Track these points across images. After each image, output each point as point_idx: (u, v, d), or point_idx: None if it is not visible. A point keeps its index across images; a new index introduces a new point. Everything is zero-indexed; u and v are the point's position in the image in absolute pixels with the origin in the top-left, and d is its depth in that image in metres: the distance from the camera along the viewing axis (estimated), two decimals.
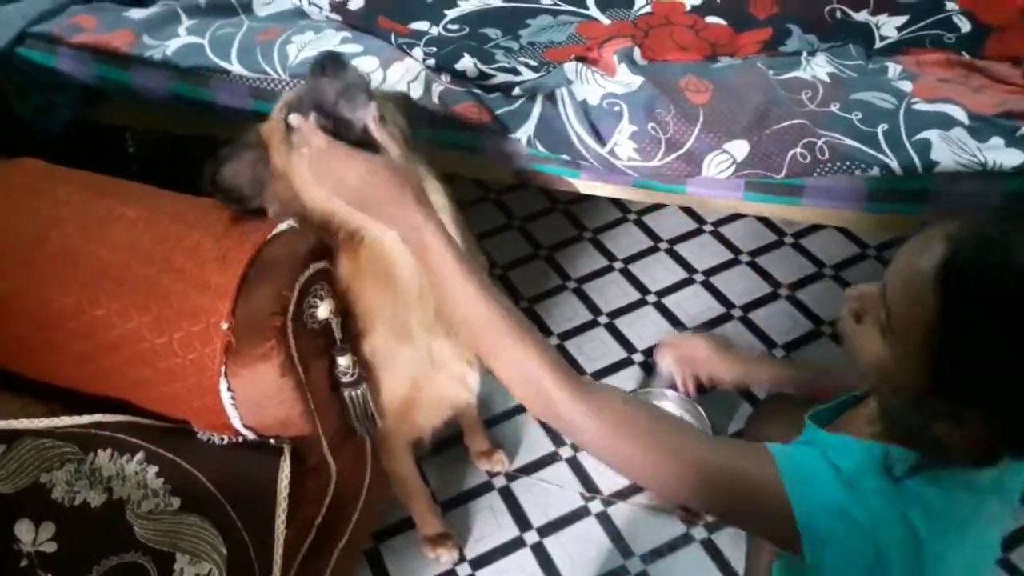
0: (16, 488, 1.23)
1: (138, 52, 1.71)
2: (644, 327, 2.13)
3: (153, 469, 1.23)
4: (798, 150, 1.42)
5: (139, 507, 1.20)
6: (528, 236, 2.38)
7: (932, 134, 1.38)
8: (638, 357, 2.06)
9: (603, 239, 2.37)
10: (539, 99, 1.52)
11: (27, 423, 1.28)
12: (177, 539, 1.18)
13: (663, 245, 2.35)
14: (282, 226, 1.25)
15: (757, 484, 0.85)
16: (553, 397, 0.87)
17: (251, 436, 1.27)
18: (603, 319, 2.16)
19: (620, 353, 2.07)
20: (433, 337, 1.31)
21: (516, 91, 1.55)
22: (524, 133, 1.52)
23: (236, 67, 1.66)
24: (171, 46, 1.71)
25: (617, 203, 2.44)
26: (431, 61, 1.61)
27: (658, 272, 2.27)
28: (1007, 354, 0.72)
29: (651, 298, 2.21)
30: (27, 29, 1.78)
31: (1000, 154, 1.34)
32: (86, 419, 1.28)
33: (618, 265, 2.30)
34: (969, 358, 0.74)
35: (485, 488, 1.82)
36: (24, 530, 1.18)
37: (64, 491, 1.22)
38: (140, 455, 1.24)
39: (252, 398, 1.22)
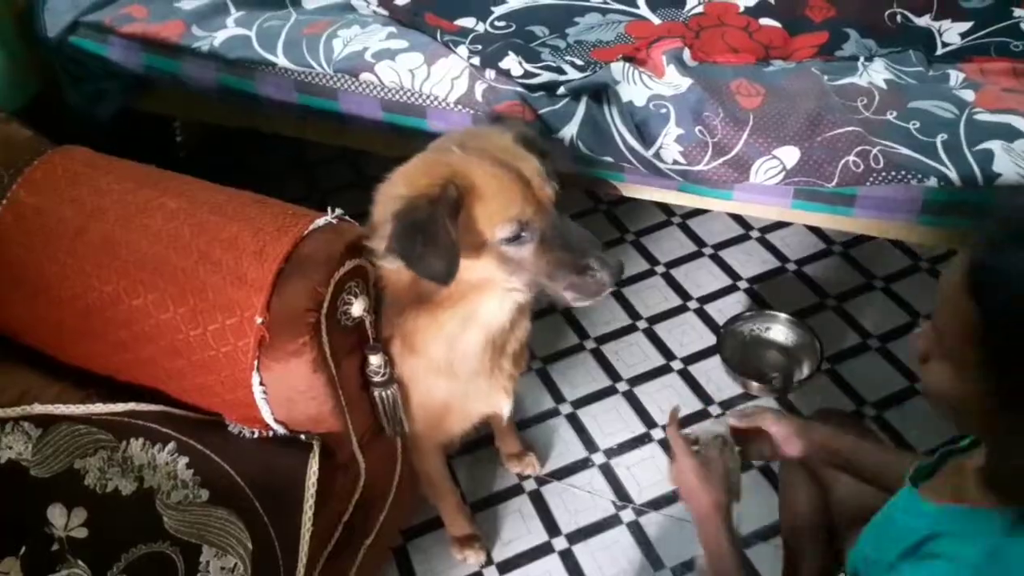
0: (51, 472, 1.24)
1: (187, 43, 1.73)
2: (684, 334, 2.09)
3: (184, 460, 1.23)
4: (851, 158, 1.37)
5: (169, 497, 1.21)
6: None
7: (994, 145, 1.33)
8: (676, 364, 2.02)
9: (645, 242, 2.33)
10: (584, 99, 1.49)
11: (64, 409, 1.29)
12: (205, 531, 1.18)
13: (707, 250, 2.30)
14: (319, 222, 1.24)
15: None
16: None
17: (281, 431, 1.27)
18: (642, 324, 2.12)
19: (658, 359, 2.04)
20: (476, 377, 1.32)
21: (561, 90, 1.53)
22: (568, 133, 1.50)
23: (282, 60, 1.67)
24: (219, 37, 1.72)
25: (662, 206, 2.40)
26: (476, 59, 1.59)
27: (701, 277, 2.23)
28: None
29: (692, 304, 2.16)
30: (80, 18, 1.80)
31: None
32: (120, 407, 1.29)
33: (660, 269, 2.26)
34: (1015, 361, 0.72)
35: (515, 491, 1.80)
36: (57, 514, 1.19)
37: (97, 478, 1.23)
38: (172, 445, 1.24)
39: (283, 393, 1.22)
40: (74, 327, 1.31)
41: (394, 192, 1.15)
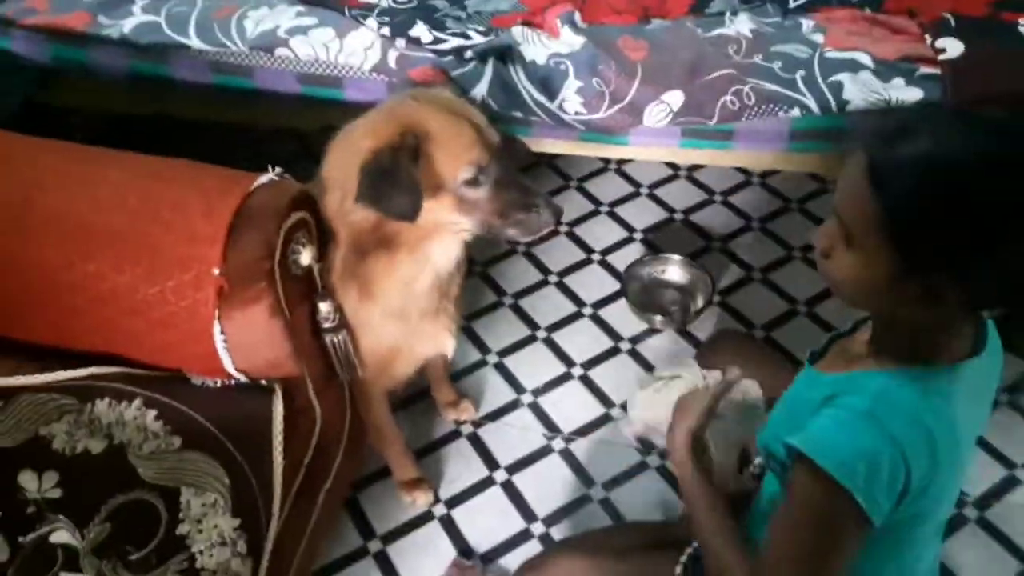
0: (16, 442, 1.27)
1: (94, 31, 1.76)
2: (591, 283, 2.26)
3: (152, 413, 1.29)
4: (728, 97, 1.57)
5: (141, 449, 1.26)
6: None
7: (843, 77, 1.55)
8: (587, 310, 2.19)
9: None
10: (491, 61, 1.63)
11: (23, 379, 1.32)
12: (181, 474, 1.24)
13: (604, 208, 2.48)
14: (263, 179, 1.33)
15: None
16: None
17: (242, 379, 1.34)
18: (553, 278, 2.28)
19: (571, 307, 2.20)
20: (424, 317, 1.43)
21: (468, 54, 1.66)
22: (479, 92, 1.64)
23: (195, 42, 1.73)
24: (127, 24, 1.76)
25: (558, 171, 2.57)
26: (385, 29, 1.70)
27: (601, 232, 2.40)
28: (946, 212, 0.82)
29: (596, 256, 2.34)
30: None
31: (902, 92, 1.52)
32: (82, 372, 1.33)
33: (563, 228, 2.42)
34: (917, 228, 0.84)
35: (454, 436, 1.92)
36: (27, 479, 1.23)
37: (64, 441, 1.27)
38: (138, 401, 1.30)
39: (243, 340, 1.30)
40: (25, 299, 1.34)
41: (356, 145, 1.26)
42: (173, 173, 1.37)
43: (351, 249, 1.32)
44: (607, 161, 2.60)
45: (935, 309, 0.89)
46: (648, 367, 2.04)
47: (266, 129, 2.07)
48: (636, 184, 2.56)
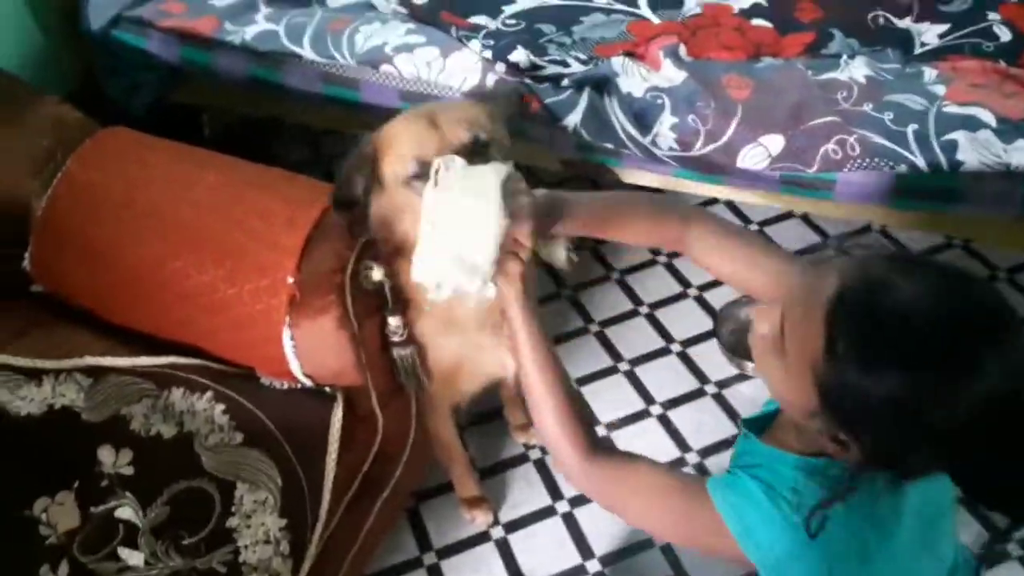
0: (101, 418, 1.37)
1: (220, 36, 1.87)
2: (684, 318, 2.19)
3: (220, 407, 1.36)
4: (830, 146, 1.50)
5: (206, 440, 1.33)
6: None
7: (959, 135, 1.45)
8: (675, 347, 2.14)
9: None
10: (586, 90, 1.62)
11: (112, 361, 1.43)
12: (239, 469, 1.30)
13: None
14: None
15: (717, 541, 0.93)
16: (569, 470, 1.04)
17: (308, 383, 1.39)
18: (644, 309, 2.24)
19: (659, 342, 2.15)
20: (481, 330, 1.43)
21: (565, 82, 1.66)
22: (571, 121, 1.63)
23: (308, 52, 1.80)
24: (249, 32, 1.86)
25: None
26: (487, 53, 1.72)
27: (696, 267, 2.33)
28: (874, 390, 0.77)
29: (692, 291, 2.28)
30: (121, 12, 1.95)
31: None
32: (163, 360, 1.42)
33: (662, 259, 2.38)
34: (845, 389, 0.79)
35: (521, 459, 1.92)
36: (106, 454, 1.32)
37: (141, 423, 1.36)
38: (209, 394, 1.37)
39: (311, 347, 1.35)
40: (122, 288, 1.44)
41: None
42: (265, 181, 1.44)
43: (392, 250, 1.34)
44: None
45: (835, 448, 0.86)
46: (732, 415, 1.97)
47: None
48: (746, 219, 2.47)
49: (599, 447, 1.02)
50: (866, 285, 0.78)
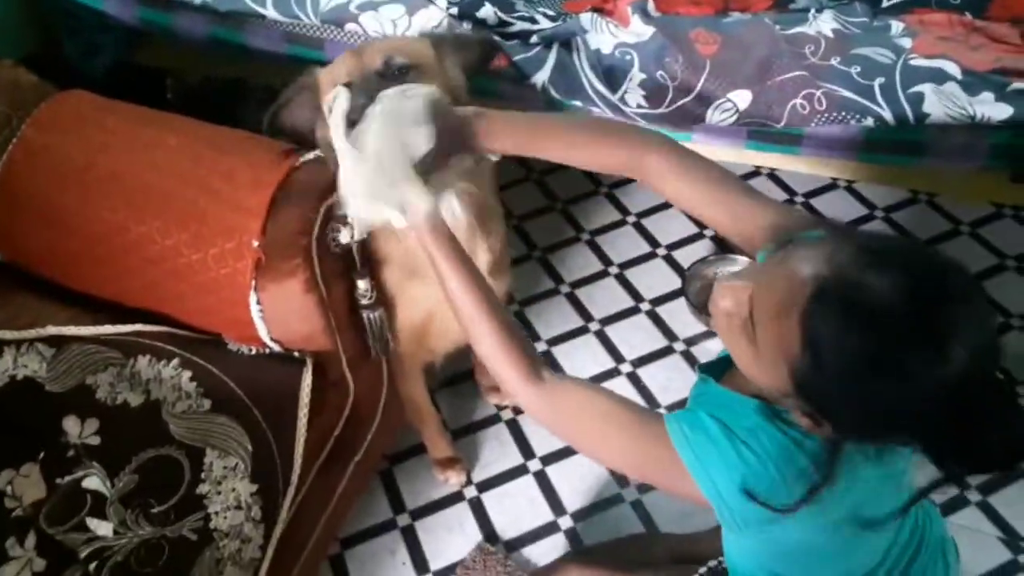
0: (64, 388, 1.35)
1: None
2: (652, 278, 2.21)
3: (187, 374, 1.35)
4: (798, 100, 1.50)
5: (174, 407, 1.32)
6: (546, 190, 2.47)
7: (926, 88, 1.45)
8: (645, 306, 2.15)
9: (618, 193, 2.45)
10: (555, 47, 1.60)
11: (75, 330, 1.40)
12: (208, 436, 1.29)
13: None
14: (309, 155, 1.36)
15: (670, 474, 0.93)
16: (516, 394, 1.01)
17: (277, 348, 1.38)
18: (614, 269, 2.24)
19: (628, 301, 2.16)
20: None
21: (533, 39, 1.64)
22: (540, 79, 1.61)
23: (271, 12, 1.76)
24: None
25: None
26: (454, 9, 1.69)
27: (671, 227, 2.34)
28: (852, 386, 0.78)
29: (661, 251, 2.28)
30: None
31: (989, 108, 1.41)
32: (128, 328, 1.40)
33: (631, 219, 2.37)
34: (822, 385, 0.80)
35: (493, 420, 1.93)
36: (71, 424, 1.31)
37: (107, 392, 1.34)
38: (176, 361, 1.36)
39: (278, 312, 1.33)
40: (84, 255, 1.42)
41: None
42: (228, 142, 1.41)
43: None
44: None
45: (809, 425, 0.86)
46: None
47: None
48: None
49: (547, 370, 0.99)
50: (842, 287, 0.78)
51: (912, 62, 1.51)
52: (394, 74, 1.22)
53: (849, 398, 0.80)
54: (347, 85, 1.16)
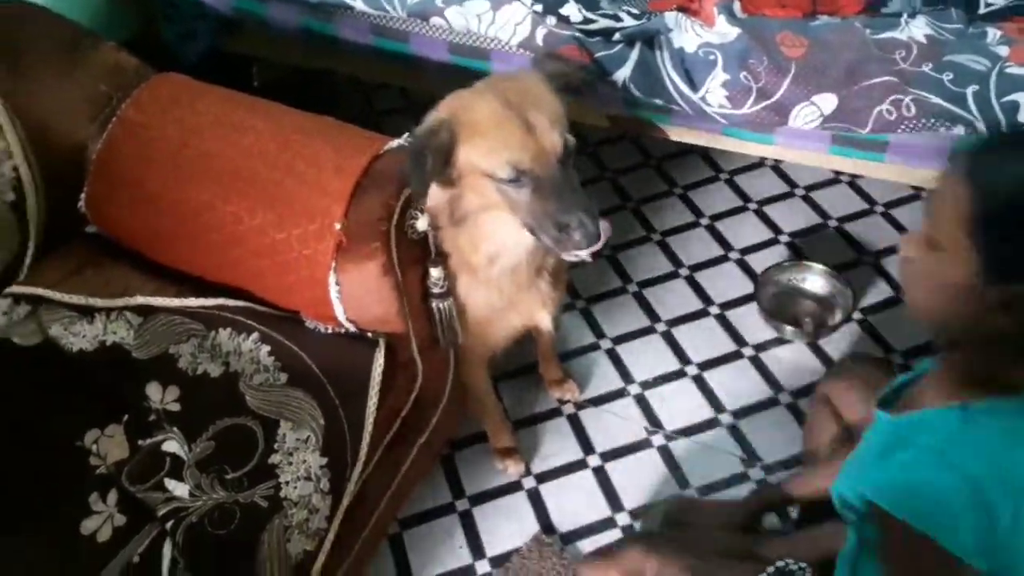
0: (149, 355, 1.41)
1: None
2: (724, 281, 2.19)
3: (266, 348, 1.39)
4: (885, 106, 1.47)
5: (251, 379, 1.37)
6: (619, 188, 2.47)
7: (1022, 97, 1.40)
8: (714, 309, 2.13)
9: (692, 195, 2.43)
10: (638, 45, 1.60)
11: (161, 301, 1.47)
12: (282, 408, 1.34)
13: (752, 205, 2.39)
14: (393, 143, 1.39)
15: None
16: None
17: (352, 328, 1.42)
18: (684, 271, 2.23)
19: (697, 304, 2.15)
20: (520, 290, 1.46)
21: (616, 36, 1.64)
22: (621, 76, 1.62)
23: (359, 3, 1.80)
24: None
25: (709, 161, 2.50)
26: (538, 6, 1.71)
27: (744, 230, 2.32)
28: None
29: (734, 255, 2.26)
30: None
31: None
32: (211, 302, 1.45)
33: (704, 221, 2.36)
34: (1005, 231, 0.84)
35: (555, 413, 1.94)
36: (154, 390, 1.36)
37: (189, 362, 1.40)
38: (255, 335, 1.40)
39: (356, 293, 1.37)
40: (173, 231, 1.48)
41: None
42: (314, 128, 1.46)
43: (449, 220, 1.35)
44: (718, 171, 2.49)
45: (1012, 319, 0.85)
46: (768, 378, 1.96)
47: (425, 93, 2.14)
48: (792, 184, 2.44)
49: None
50: (993, 143, 0.93)
51: (1008, 70, 1.46)
52: (568, 157, 1.25)
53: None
54: (525, 173, 1.22)
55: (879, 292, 2.12)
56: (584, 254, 1.26)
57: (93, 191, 1.56)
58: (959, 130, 1.44)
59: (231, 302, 1.45)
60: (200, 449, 1.30)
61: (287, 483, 1.27)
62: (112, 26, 2.06)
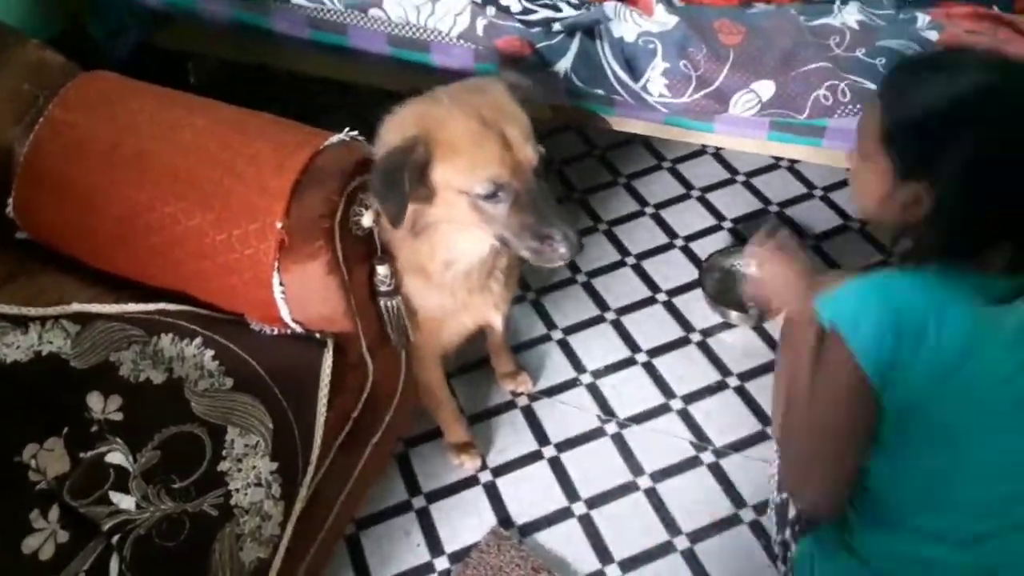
0: (88, 364, 1.37)
1: None
2: (670, 268, 2.21)
3: (210, 352, 1.36)
4: (821, 92, 1.49)
5: (196, 385, 1.33)
6: (565, 179, 2.47)
7: None
8: (661, 296, 2.15)
9: (637, 184, 2.45)
10: (578, 35, 1.60)
11: (99, 307, 1.42)
12: (229, 414, 1.31)
13: (695, 192, 2.42)
14: (333, 139, 1.37)
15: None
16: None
17: (298, 329, 1.39)
18: (631, 260, 2.25)
19: (644, 292, 2.16)
20: (472, 293, 1.46)
21: (556, 27, 1.64)
22: (562, 67, 1.62)
23: None
24: None
25: (652, 150, 2.52)
26: None
27: (688, 217, 2.34)
28: (932, 125, 1.00)
29: (679, 242, 2.29)
30: None
31: None
32: (152, 307, 1.42)
33: (649, 210, 2.38)
34: (904, 143, 1.03)
35: (509, 406, 1.94)
36: (95, 400, 1.32)
37: (130, 369, 1.36)
38: (199, 340, 1.37)
39: (300, 293, 1.34)
40: (109, 234, 1.43)
41: (385, 137, 1.28)
42: (253, 125, 1.42)
43: (409, 231, 1.33)
44: (661, 159, 2.52)
45: (921, 212, 1.03)
46: (716, 363, 1.99)
47: (363, 88, 2.11)
48: (733, 171, 2.47)
49: None
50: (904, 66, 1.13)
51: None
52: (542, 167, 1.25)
53: (926, 136, 0.99)
54: (503, 187, 1.22)
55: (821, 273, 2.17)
56: (558, 263, 1.28)
57: (21, 196, 1.50)
58: None
59: (172, 306, 1.42)
60: (145, 459, 1.26)
61: (237, 490, 1.24)
62: (36, 23, 1.98)
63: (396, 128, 1.28)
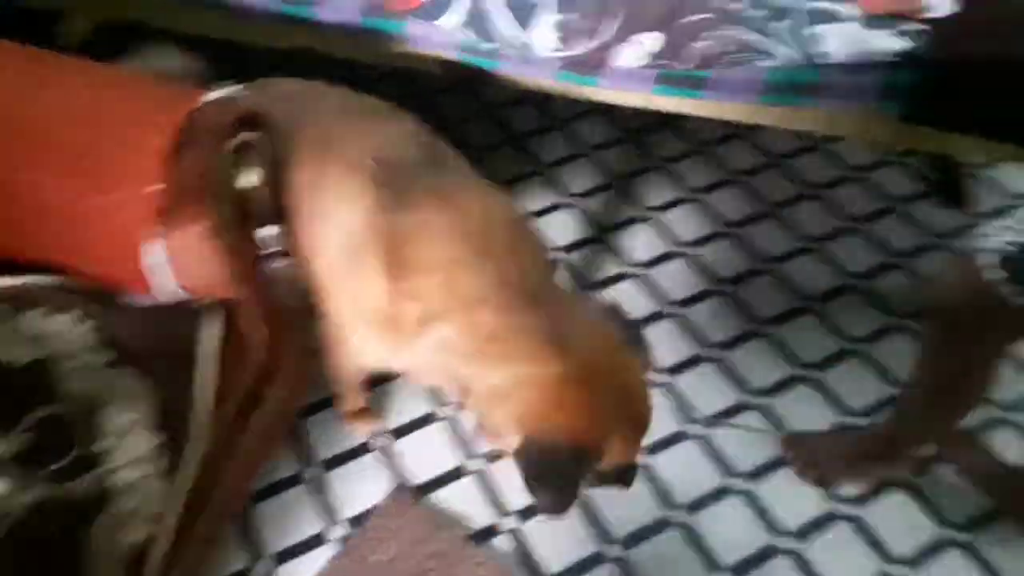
0: None
1: None
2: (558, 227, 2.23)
3: (84, 327, 1.27)
4: (706, 42, 1.52)
5: (69, 362, 1.24)
6: (457, 139, 2.42)
7: (827, 28, 1.51)
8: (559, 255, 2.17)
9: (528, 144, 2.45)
10: None
11: None
12: (106, 390, 1.22)
13: (586, 151, 2.43)
14: (211, 95, 1.29)
15: None
16: None
17: (183, 297, 1.32)
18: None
19: None
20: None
21: None
22: (450, 20, 1.58)
23: None
24: None
25: (543, 109, 2.51)
26: None
27: (581, 179, 2.36)
28: None
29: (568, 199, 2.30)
30: None
31: (884, 42, 1.48)
32: (18, 280, 1.31)
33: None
34: None
35: None
36: None
37: None
38: (74, 314, 1.28)
39: (182, 259, 1.27)
40: None
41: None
42: (127, 84, 1.34)
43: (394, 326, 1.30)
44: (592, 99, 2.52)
45: None
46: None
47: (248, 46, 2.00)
48: (624, 128, 2.50)
49: None
50: None
51: (816, 4, 1.55)
52: None
53: None
54: None
55: (703, 227, 2.23)
56: None
57: None
58: (771, 62, 1.52)
59: (42, 279, 1.32)
60: (16, 443, 1.17)
61: (116, 470, 1.18)
62: None
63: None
